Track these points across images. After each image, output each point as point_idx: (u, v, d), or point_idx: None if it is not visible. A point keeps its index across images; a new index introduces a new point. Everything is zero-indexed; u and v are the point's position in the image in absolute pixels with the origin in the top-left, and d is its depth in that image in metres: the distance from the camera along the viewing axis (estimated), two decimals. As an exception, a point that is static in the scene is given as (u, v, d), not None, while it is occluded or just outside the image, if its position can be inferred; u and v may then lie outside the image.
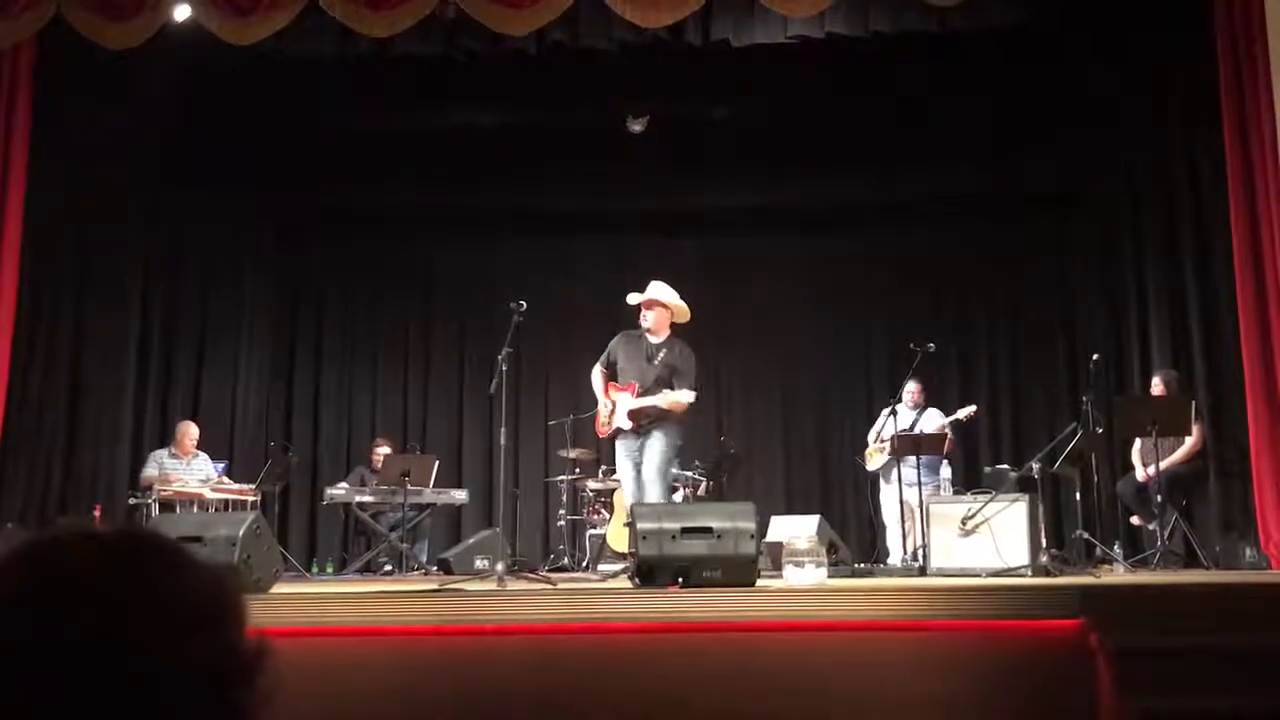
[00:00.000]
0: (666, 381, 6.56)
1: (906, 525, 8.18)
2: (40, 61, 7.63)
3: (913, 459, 8.06)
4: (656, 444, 6.54)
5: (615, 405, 6.50)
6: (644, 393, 6.55)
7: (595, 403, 8.98)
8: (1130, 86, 8.66)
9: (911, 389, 8.45)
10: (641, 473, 6.52)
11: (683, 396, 6.54)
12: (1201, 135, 7.72)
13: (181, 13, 7.28)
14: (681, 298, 11.19)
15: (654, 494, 6.51)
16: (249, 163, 9.88)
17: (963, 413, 8.48)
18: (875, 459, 8.62)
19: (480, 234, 11.02)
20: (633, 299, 6.77)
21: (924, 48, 7.95)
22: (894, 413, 8.17)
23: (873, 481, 8.91)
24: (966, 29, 7.49)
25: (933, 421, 8.45)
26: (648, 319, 6.68)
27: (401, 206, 10.72)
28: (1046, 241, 10.44)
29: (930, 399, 8.99)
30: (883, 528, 8.85)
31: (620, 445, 6.62)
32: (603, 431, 6.67)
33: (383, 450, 9.62)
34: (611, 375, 6.77)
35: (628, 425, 6.51)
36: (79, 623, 0.88)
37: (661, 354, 6.58)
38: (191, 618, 0.92)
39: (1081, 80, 8.85)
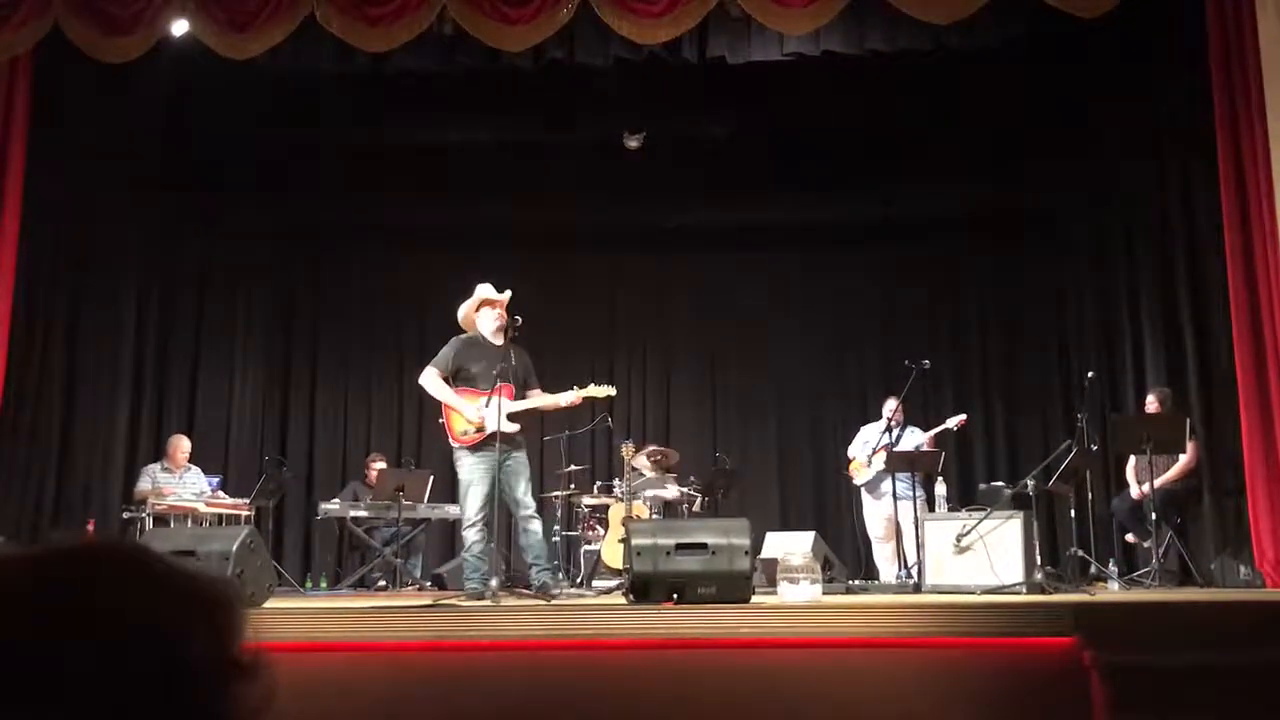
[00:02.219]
0: (524, 384, 6.53)
1: (894, 542, 8.21)
2: (39, 69, 7.63)
3: (901, 474, 8.05)
4: (524, 459, 6.47)
5: (484, 410, 6.26)
6: (519, 396, 6.45)
7: (588, 419, 9.04)
8: (1125, 105, 8.70)
9: (891, 406, 8.45)
10: (518, 491, 6.38)
11: (563, 398, 6.54)
12: (1196, 155, 7.76)
13: (179, 27, 7.29)
14: (676, 313, 11.32)
15: (532, 509, 6.45)
16: (246, 175, 9.90)
17: (952, 421, 8.47)
18: (862, 473, 8.61)
19: (476, 249, 11.02)
20: (499, 294, 6.63)
21: (919, 66, 7.98)
22: (889, 429, 8.18)
23: (856, 496, 8.90)
24: (962, 47, 7.53)
25: (912, 440, 8.45)
26: (498, 321, 6.53)
27: (398, 220, 10.73)
28: (1041, 259, 10.47)
29: (917, 416, 9.00)
30: (868, 543, 8.84)
31: (481, 456, 6.28)
32: (471, 439, 6.28)
33: (377, 466, 9.61)
34: (459, 382, 6.51)
35: (513, 428, 6.35)
36: (43, 640, 0.86)
37: (513, 356, 6.49)
38: (164, 628, 0.90)
39: (1077, 99, 8.88)
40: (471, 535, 6.28)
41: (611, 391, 6.81)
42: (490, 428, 6.24)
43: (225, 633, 0.94)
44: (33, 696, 0.85)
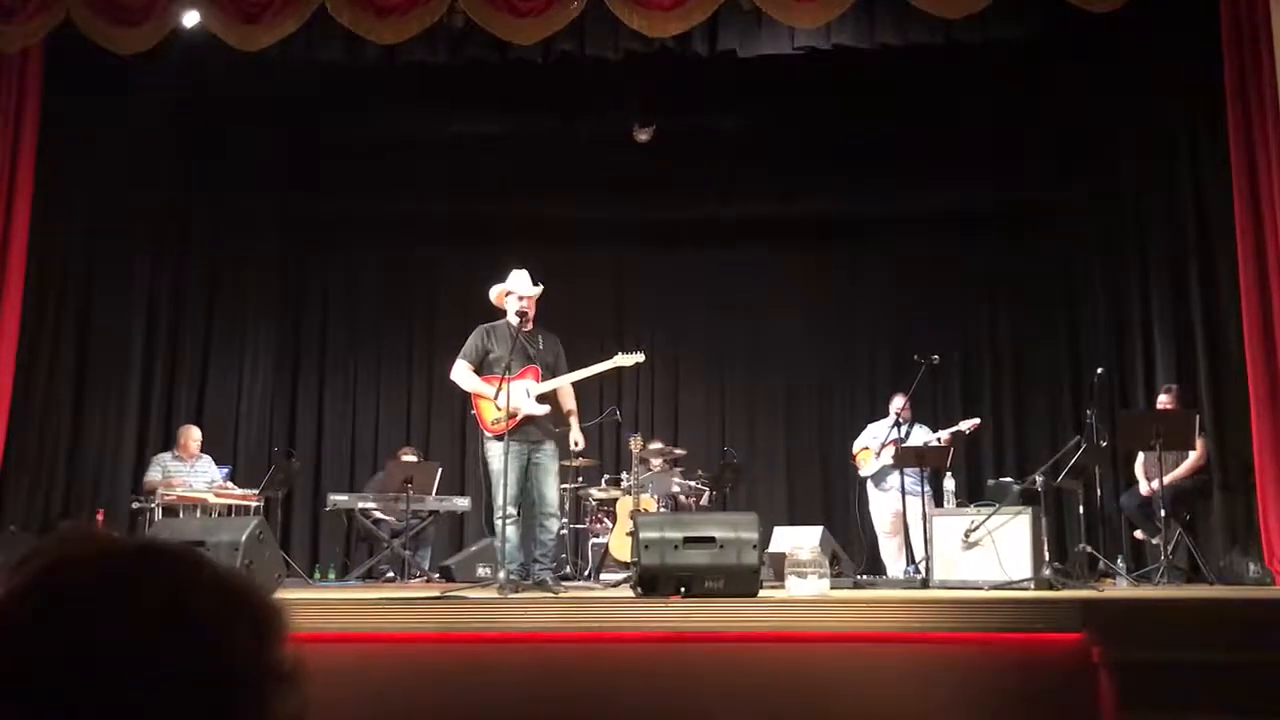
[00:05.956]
0: (553, 370, 6.53)
1: (901, 537, 8.21)
2: (48, 63, 7.65)
3: (910, 469, 8.04)
4: (553, 454, 6.45)
5: (510, 394, 6.21)
6: (545, 379, 6.45)
7: (597, 412, 9.04)
8: (1135, 98, 8.67)
9: (899, 404, 8.45)
10: (544, 486, 6.37)
11: (591, 371, 6.62)
12: (1206, 148, 7.73)
13: (190, 18, 7.30)
14: (684, 307, 11.31)
15: (554, 507, 6.42)
16: (254, 167, 9.91)
17: (965, 425, 8.45)
18: (869, 464, 8.59)
19: (484, 242, 11.01)
20: (535, 290, 6.61)
21: (928, 59, 7.95)
22: (898, 425, 8.18)
23: (861, 489, 8.88)
24: (971, 41, 7.51)
25: (921, 438, 8.43)
26: (520, 309, 6.49)
27: (406, 213, 10.73)
28: (1050, 253, 10.43)
29: (927, 413, 8.97)
30: (874, 538, 8.81)
31: (511, 445, 6.22)
32: (503, 426, 6.19)
33: (408, 459, 9.53)
34: (485, 369, 6.50)
35: (541, 410, 6.35)
36: (92, 640, 0.87)
37: (541, 341, 6.55)
38: (211, 632, 0.91)
39: (1088, 94, 8.85)
40: (507, 526, 6.22)
41: (640, 359, 6.77)
42: (522, 411, 6.26)
43: (268, 639, 0.95)
44: (77, 700, 0.86)
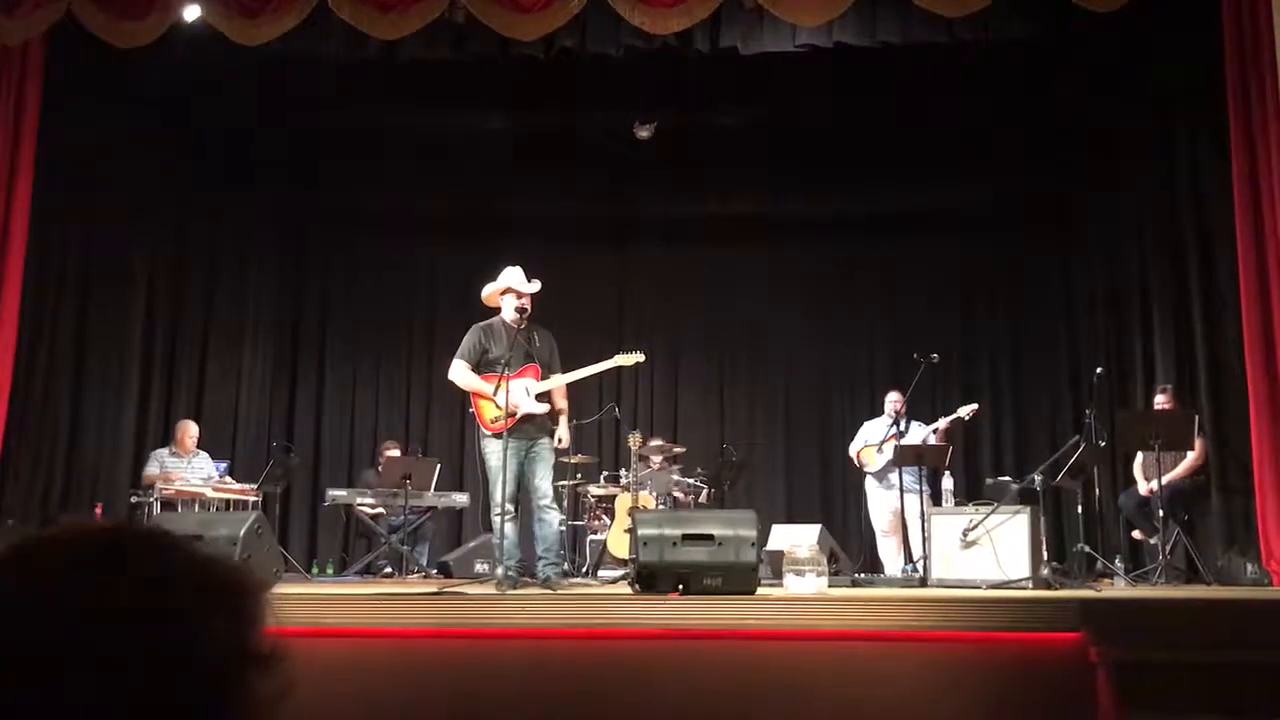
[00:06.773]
0: (548, 366, 6.53)
1: (900, 535, 8.21)
2: (49, 57, 7.64)
3: (909, 467, 8.03)
4: (549, 446, 6.42)
5: (510, 393, 6.20)
6: (544, 378, 6.44)
7: (596, 409, 9.06)
8: (1135, 99, 8.66)
9: (894, 399, 8.43)
10: (538, 478, 6.34)
11: (591, 370, 6.70)
12: (1206, 147, 7.72)
13: (191, 12, 7.29)
14: (684, 305, 11.32)
15: (550, 499, 6.37)
16: (254, 164, 9.89)
17: (964, 410, 8.41)
18: (874, 460, 8.57)
19: (484, 238, 11.01)
20: (534, 286, 6.59)
21: (929, 59, 7.95)
22: (896, 421, 8.17)
23: (862, 490, 8.87)
24: (973, 40, 7.50)
25: (918, 435, 8.42)
26: (525, 307, 6.48)
27: (406, 209, 10.73)
28: (1049, 252, 10.44)
29: (925, 411, 8.97)
30: (873, 537, 8.81)
31: (509, 442, 6.20)
32: (503, 425, 6.19)
33: (391, 453, 9.61)
34: (482, 369, 6.48)
35: (541, 408, 6.36)
36: (65, 622, 0.87)
37: (536, 339, 6.53)
38: (186, 615, 0.90)
39: (1087, 94, 8.85)
40: (505, 522, 6.19)
41: (640, 358, 6.80)
42: (522, 410, 6.25)
43: (244, 621, 0.94)
44: (48, 683, 0.85)
